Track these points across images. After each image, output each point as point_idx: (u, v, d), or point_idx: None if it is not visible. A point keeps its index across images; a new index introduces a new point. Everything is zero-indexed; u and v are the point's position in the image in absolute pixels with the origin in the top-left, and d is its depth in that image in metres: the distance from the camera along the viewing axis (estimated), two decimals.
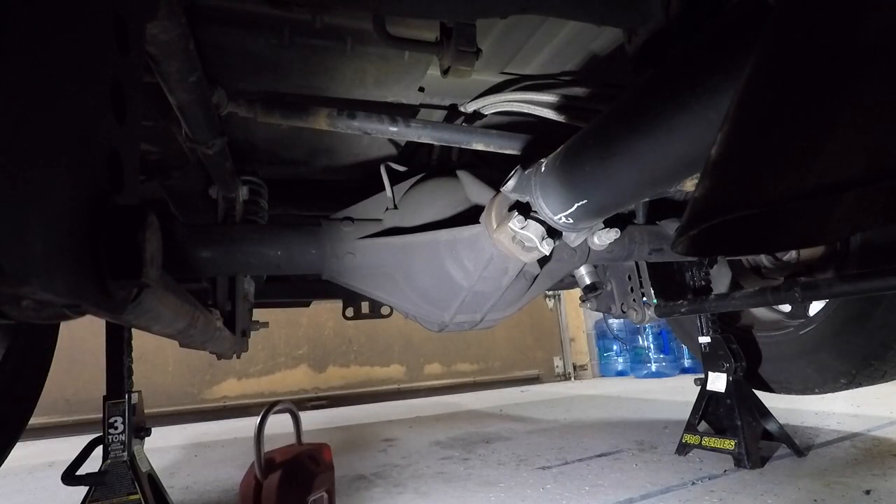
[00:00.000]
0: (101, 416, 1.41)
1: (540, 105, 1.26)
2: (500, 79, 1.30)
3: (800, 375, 1.99)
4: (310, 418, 4.01)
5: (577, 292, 1.82)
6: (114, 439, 1.39)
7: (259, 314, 1.60)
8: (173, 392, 4.74)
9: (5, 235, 0.26)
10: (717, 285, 2.10)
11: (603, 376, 6.49)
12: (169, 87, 0.84)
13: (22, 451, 2.97)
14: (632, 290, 1.83)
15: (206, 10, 0.93)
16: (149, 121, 1.14)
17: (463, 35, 1.05)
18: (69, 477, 1.34)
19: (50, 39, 0.31)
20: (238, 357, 1.36)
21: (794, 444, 1.83)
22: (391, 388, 5.53)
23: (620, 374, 6.26)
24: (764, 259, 2.09)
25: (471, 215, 1.27)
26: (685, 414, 2.04)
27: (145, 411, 1.55)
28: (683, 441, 1.98)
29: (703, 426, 1.97)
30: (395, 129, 1.18)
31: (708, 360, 1.99)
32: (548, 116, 1.27)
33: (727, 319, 2.19)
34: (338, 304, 2.06)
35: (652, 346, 5.94)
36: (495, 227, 1.12)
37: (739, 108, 0.42)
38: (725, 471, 1.72)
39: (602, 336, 6.54)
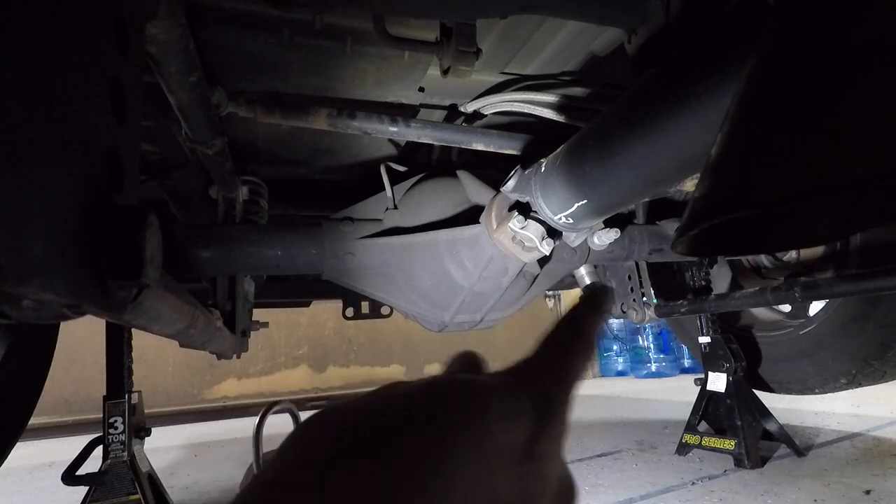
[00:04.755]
0: (101, 416, 1.41)
1: (540, 105, 1.26)
2: (500, 79, 1.30)
3: (800, 375, 1.99)
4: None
5: (577, 292, 1.82)
6: (114, 439, 1.39)
7: (259, 314, 1.60)
8: (173, 392, 4.74)
9: (5, 235, 0.26)
10: (717, 285, 2.10)
11: (603, 376, 6.49)
12: (169, 87, 0.84)
13: (22, 451, 2.97)
14: (632, 290, 1.83)
15: (206, 10, 0.92)
16: (149, 121, 1.14)
17: (463, 35, 1.04)
18: (69, 477, 1.35)
19: (49, 39, 0.31)
20: (238, 357, 1.36)
21: (794, 444, 1.83)
22: None
23: (620, 374, 6.26)
24: (764, 259, 2.09)
25: (471, 215, 1.27)
26: (685, 414, 2.04)
27: (145, 411, 1.55)
28: (683, 441, 1.98)
29: (703, 426, 1.97)
30: (395, 129, 1.18)
31: (708, 360, 1.99)
32: (548, 116, 1.26)
33: (727, 319, 2.19)
34: (338, 304, 2.06)
35: (652, 346, 5.94)
36: (495, 227, 1.12)
37: (739, 108, 0.42)
38: (725, 471, 1.72)
39: (602, 336, 6.53)
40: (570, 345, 0.29)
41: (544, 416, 0.25)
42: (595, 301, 0.31)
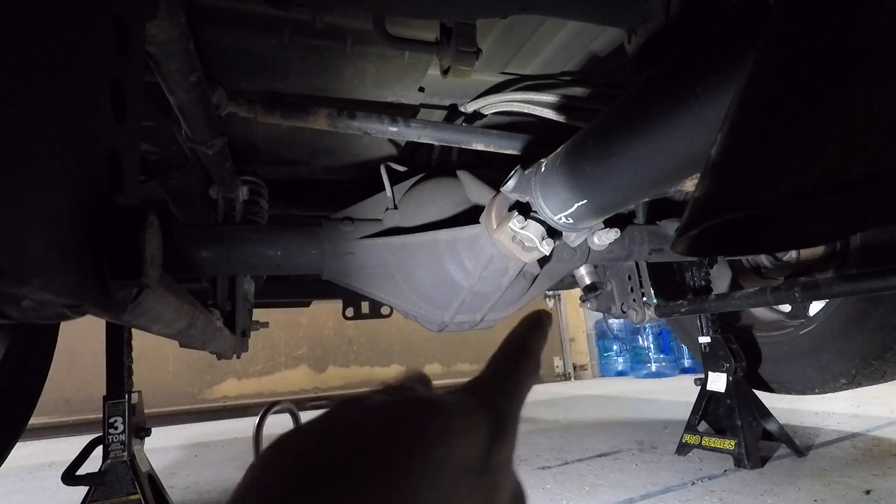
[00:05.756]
0: (101, 416, 1.41)
1: (540, 105, 1.26)
2: (500, 79, 1.30)
3: (800, 375, 1.99)
4: (310, 418, 4.00)
5: (577, 292, 1.82)
6: (114, 439, 1.39)
7: (259, 314, 1.60)
8: (173, 392, 4.74)
9: (5, 235, 0.26)
10: (717, 285, 2.10)
11: (603, 376, 6.49)
12: (169, 87, 0.84)
13: (22, 451, 2.97)
14: (632, 290, 1.83)
15: (206, 10, 0.93)
16: (149, 121, 1.14)
17: (463, 35, 1.04)
18: (69, 477, 1.35)
19: (50, 39, 0.31)
20: (238, 357, 1.36)
21: (794, 444, 1.83)
22: None
23: (620, 374, 6.26)
24: (764, 259, 2.09)
25: (471, 215, 1.27)
26: (685, 414, 2.04)
27: (145, 411, 1.55)
28: (683, 441, 1.98)
29: (703, 426, 1.97)
30: (395, 129, 1.18)
31: (708, 360, 1.99)
32: (548, 116, 1.26)
33: (727, 319, 2.19)
34: (338, 304, 2.06)
35: (652, 346, 5.94)
36: (495, 227, 1.12)
37: (739, 108, 0.42)
38: (725, 471, 1.72)
39: (602, 336, 6.54)
40: (517, 363, 0.31)
41: (497, 430, 0.27)
42: (537, 322, 0.34)
